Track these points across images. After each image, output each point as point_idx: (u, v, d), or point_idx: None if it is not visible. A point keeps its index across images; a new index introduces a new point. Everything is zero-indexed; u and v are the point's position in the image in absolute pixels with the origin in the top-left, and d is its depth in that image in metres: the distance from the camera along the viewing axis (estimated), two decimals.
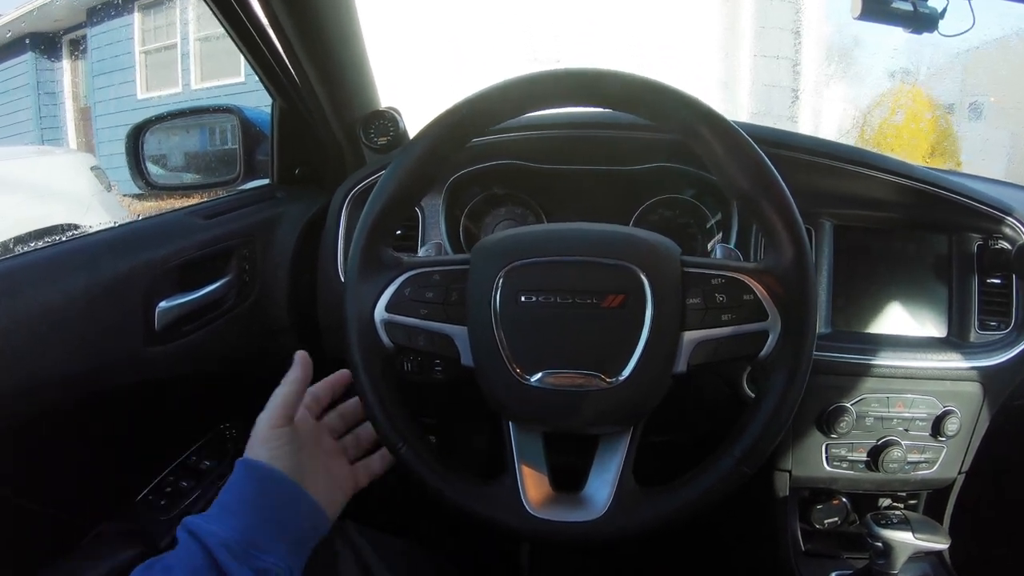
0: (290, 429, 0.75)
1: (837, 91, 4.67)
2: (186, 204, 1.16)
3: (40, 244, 0.91)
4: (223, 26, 1.09)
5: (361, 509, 0.87)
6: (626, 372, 0.71)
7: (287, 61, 1.14)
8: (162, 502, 1.02)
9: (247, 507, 0.69)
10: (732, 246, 1.07)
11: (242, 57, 1.16)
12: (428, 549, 0.98)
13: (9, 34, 5.97)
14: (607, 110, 0.77)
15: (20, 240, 2.70)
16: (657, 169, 1.11)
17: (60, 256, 0.88)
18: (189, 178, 1.43)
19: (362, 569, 0.81)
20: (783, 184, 0.72)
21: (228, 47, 1.13)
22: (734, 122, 0.73)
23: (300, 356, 0.81)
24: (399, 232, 1.14)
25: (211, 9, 1.06)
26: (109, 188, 3.78)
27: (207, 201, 1.17)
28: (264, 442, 0.74)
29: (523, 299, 0.72)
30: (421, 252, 0.92)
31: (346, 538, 0.82)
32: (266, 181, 1.29)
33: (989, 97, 4.14)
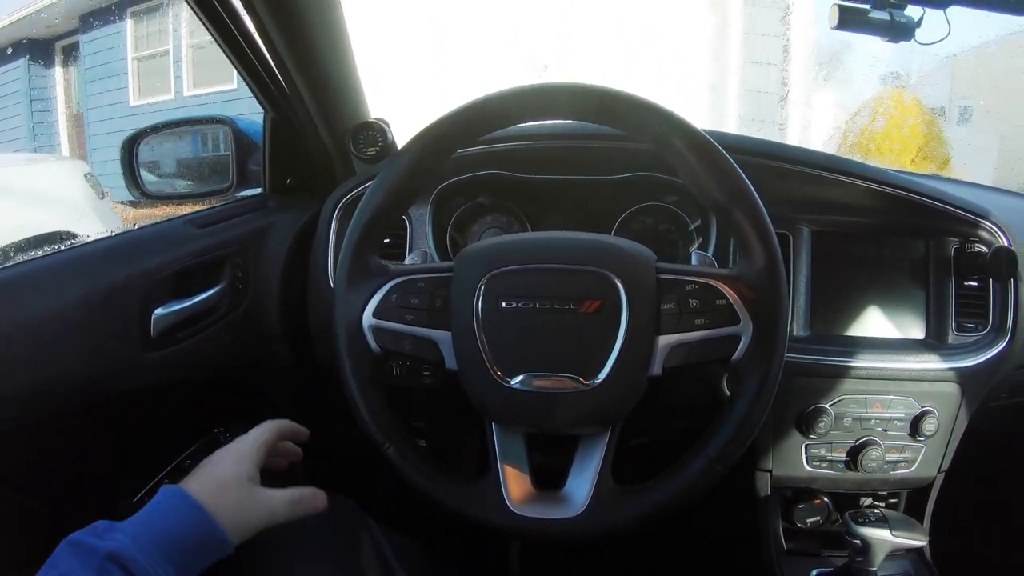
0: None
1: (826, 95, 4.69)
2: (178, 211, 1.17)
3: (40, 253, 0.93)
4: (215, 39, 1.11)
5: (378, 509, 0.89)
6: (603, 375, 0.73)
7: (278, 74, 1.16)
8: None
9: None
10: (711, 251, 1.10)
11: None
12: (426, 550, 1.00)
13: (1, 40, 5.96)
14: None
15: (17, 247, 2.71)
16: (638, 178, 1.13)
17: (60, 264, 0.91)
18: (183, 187, 1.44)
19: (383, 569, 0.84)
20: (755, 194, 0.74)
21: (220, 54, 1.15)
22: (708, 132, 0.76)
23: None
24: (387, 241, 1.16)
25: (203, 23, 1.08)
26: (102, 195, 3.78)
27: (201, 210, 1.19)
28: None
29: (504, 305, 0.75)
30: (408, 260, 0.95)
31: (370, 535, 0.85)
32: (258, 190, 1.31)
33: (978, 100, 4.17)
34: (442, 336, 0.78)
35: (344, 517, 0.84)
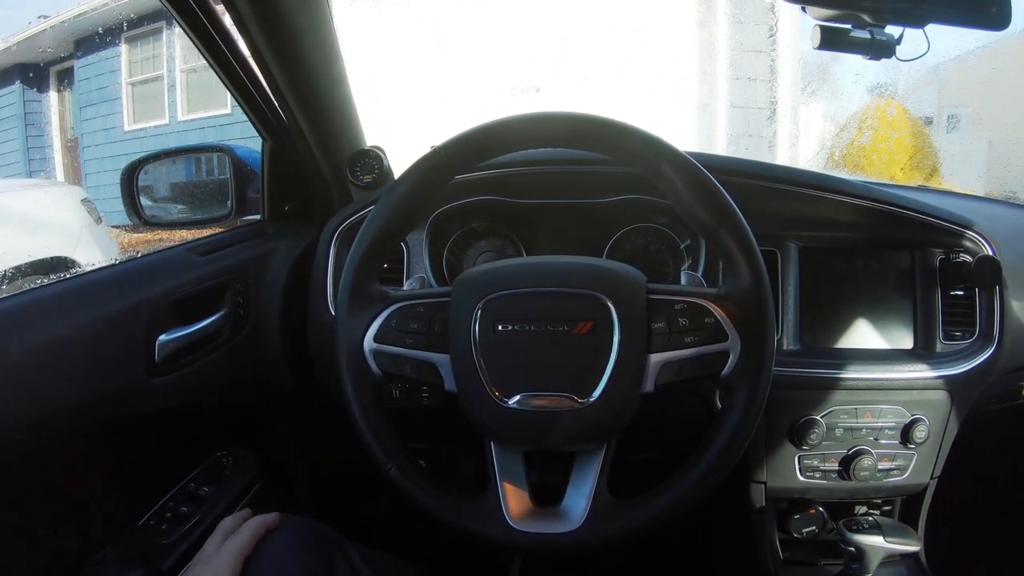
0: None
1: (815, 108, 4.71)
2: (173, 236, 1.18)
3: (41, 278, 0.94)
4: (217, 74, 1.14)
5: (360, 529, 0.89)
6: (596, 393, 0.76)
7: (277, 105, 1.19)
8: (163, 527, 1.05)
9: None
10: (701, 270, 1.12)
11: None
12: (422, 567, 1.01)
13: None
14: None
15: (16, 272, 2.72)
16: (629, 200, 1.16)
17: (67, 292, 0.93)
18: (183, 214, 1.46)
19: None
20: (740, 215, 0.77)
21: (214, 79, 1.17)
22: (694, 154, 0.79)
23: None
24: (385, 266, 1.18)
25: (203, 55, 1.10)
26: (99, 221, 3.78)
27: (203, 238, 1.21)
28: None
29: (500, 328, 0.77)
30: (406, 285, 0.97)
31: (345, 558, 0.85)
32: (257, 217, 1.33)
33: (966, 108, 4.18)
34: (441, 359, 0.80)
35: (318, 542, 0.84)
